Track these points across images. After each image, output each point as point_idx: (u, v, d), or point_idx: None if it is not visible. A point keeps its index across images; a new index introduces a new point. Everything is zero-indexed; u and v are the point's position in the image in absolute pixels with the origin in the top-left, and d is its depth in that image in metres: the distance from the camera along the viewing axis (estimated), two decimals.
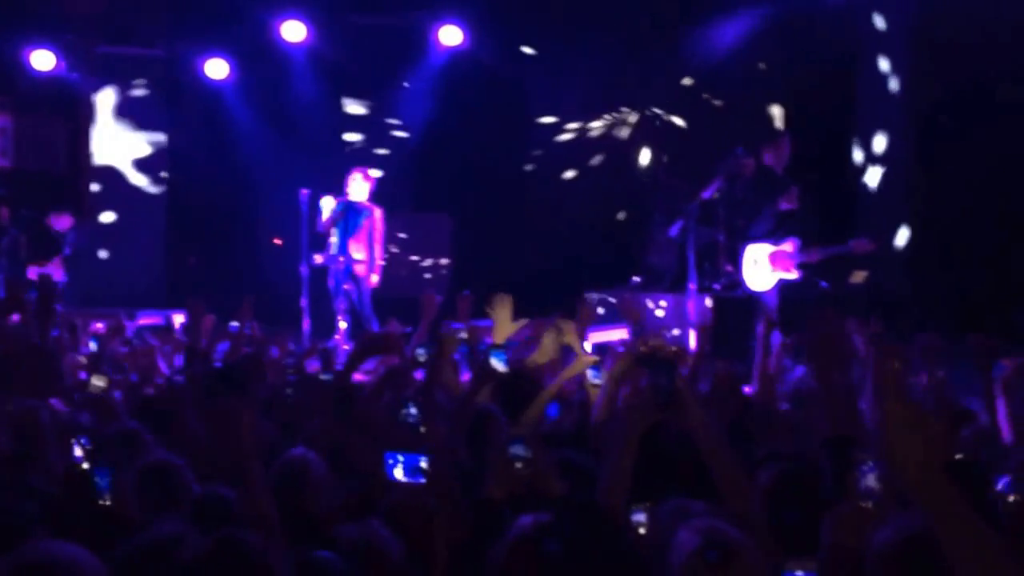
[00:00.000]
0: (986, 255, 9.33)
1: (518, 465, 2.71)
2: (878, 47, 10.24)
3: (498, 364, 3.70)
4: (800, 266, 7.54)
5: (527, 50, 10.97)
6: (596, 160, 11.56)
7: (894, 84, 10.19)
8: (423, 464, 2.77)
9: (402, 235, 10.76)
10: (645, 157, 11.46)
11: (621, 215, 11.04)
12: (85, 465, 3.09)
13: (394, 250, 10.50)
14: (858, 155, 10.44)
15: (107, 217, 11.49)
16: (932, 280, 9.58)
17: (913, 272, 9.87)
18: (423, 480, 2.77)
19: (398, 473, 2.78)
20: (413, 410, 3.14)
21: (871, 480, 2.30)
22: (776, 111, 11.02)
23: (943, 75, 9.55)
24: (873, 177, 10.26)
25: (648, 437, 2.72)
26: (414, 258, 11.17)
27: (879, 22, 10.22)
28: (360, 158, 9.70)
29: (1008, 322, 7.66)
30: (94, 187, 11.52)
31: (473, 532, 2.68)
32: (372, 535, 2.48)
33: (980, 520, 1.57)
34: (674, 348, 5.55)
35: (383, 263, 9.10)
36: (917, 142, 9.99)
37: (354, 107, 11.54)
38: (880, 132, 10.31)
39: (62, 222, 9.94)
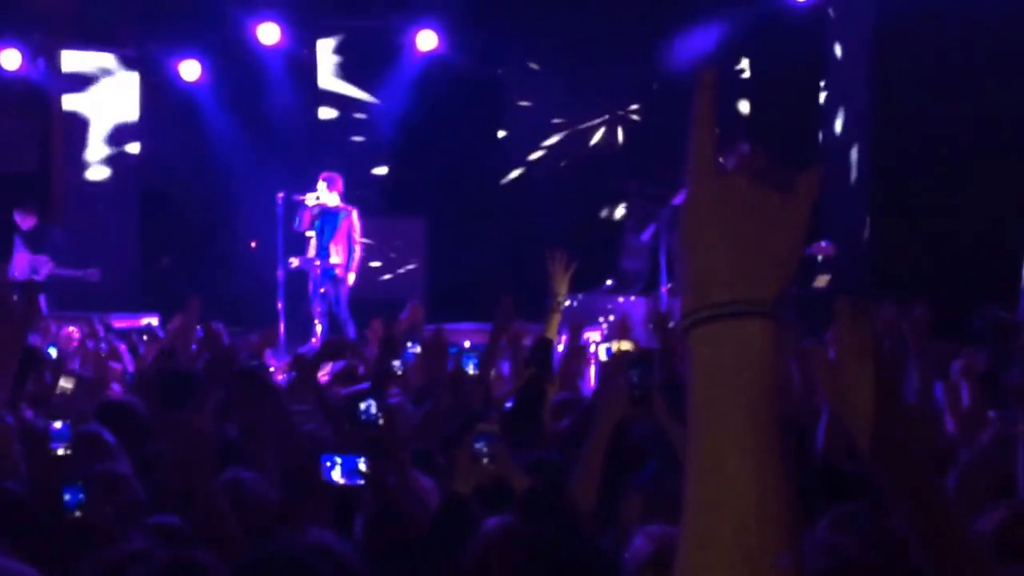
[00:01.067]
0: (948, 256, 9.60)
1: (484, 460, 2.73)
2: (842, 46, 10.48)
3: (469, 366, 3.91)
4: None
5: (533, 66, 11.06)
6: (570, 164, 11.70)
7: (859, 84, 10.45)
8: (361, 465, 2.81)
9: (376, 239, 10.81)
10: (618, 161, 11.61)
11: (602, 213, 11.17)
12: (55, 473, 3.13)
13: (369, 252, 10.56)
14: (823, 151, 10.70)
15: (77, 219, 11.42)
16: (893, 282, 9.82)
17: (874, 275, 10.11)
18: (361, 481, 2.81)
19: (335, 475, 2.81)
20: (373, 409, 3.14)
21: None
22: (743, 106, 11.21)
23: (906, 72, 9.81)
24: (837, 175, 10.52)
25: (619, 432, 2.85)
26: (388, 262, 11.22)
27: (841, 20, 10.45)
28: (334, 161, 9.72)
29: (968, 327, 7.85)
30: (63, 188, 11.44)
31: (438, 527, 2.72)
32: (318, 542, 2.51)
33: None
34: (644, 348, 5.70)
35: (360, 263, 9.16)
36: (879, 140, 10.24)
37: (329, 111, 11.57)
38: (845, 130, 10.55)
39: (27, 221, 9.88)
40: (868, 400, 1.45)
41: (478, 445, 2.73)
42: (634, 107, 11.43)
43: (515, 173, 11.77)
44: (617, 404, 2.84)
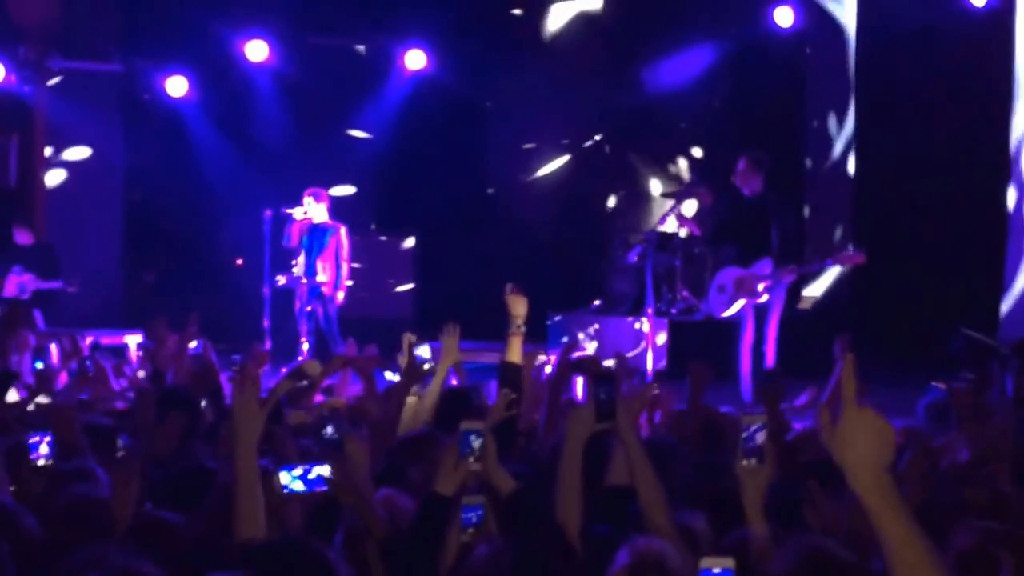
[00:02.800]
0: (928, 280, 9.76)
1: (470, 459, 2.68)
2: (827, 70, 10.65)
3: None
4: (773, 287, 7.52)
5: (520, 85, 11.11)
6: (557, 185, 11.78)
7: (839, 107, 10.62)
8: (324, 472, 2.80)
9: (364, 257, 10.81)
10: (605, 183, 11.70)
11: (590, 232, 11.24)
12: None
13: (357, 268, 10.56)
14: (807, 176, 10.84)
15: (60, 235, 11.32)
16: (874, 305, 9.97)
17: (856, 297, 10.25)
18: (324, 487, 2.80)
19: (297, 486, 2.81)
20: (330, 429, 3.13)
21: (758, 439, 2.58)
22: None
23: (887, 99, 9.99)
24: (820, 200, 10.66)
25: (591, 448, 2.89)
26: (377, 280, 11.20)
27: (821, 49, 10.63)
28: (322, 179, 9.72)
29: (945, 349, 7.96)
30: (47, 203, 11.35)
31: (416, 527, 2.71)
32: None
33: (922, 530, 1.64)
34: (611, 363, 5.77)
35: (349, 281, 9.16)
36: (866, 161, 10.40)
37: (316, 129, 11.58)
38: (827, 154, 10.71)
39: (23, 237, 9.81)
40: (871, 447, 1.67)
41: (464, 442, 2.69)
42: (619, 128, 11.53)
43: (504, 192, 11.83)
44: (584, 421, 2.89)
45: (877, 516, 1.64)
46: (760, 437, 2.60)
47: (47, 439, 3.40)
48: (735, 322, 7.64)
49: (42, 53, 11.04)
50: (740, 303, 7.51)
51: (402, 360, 4.90)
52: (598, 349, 8.95)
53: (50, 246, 10.27)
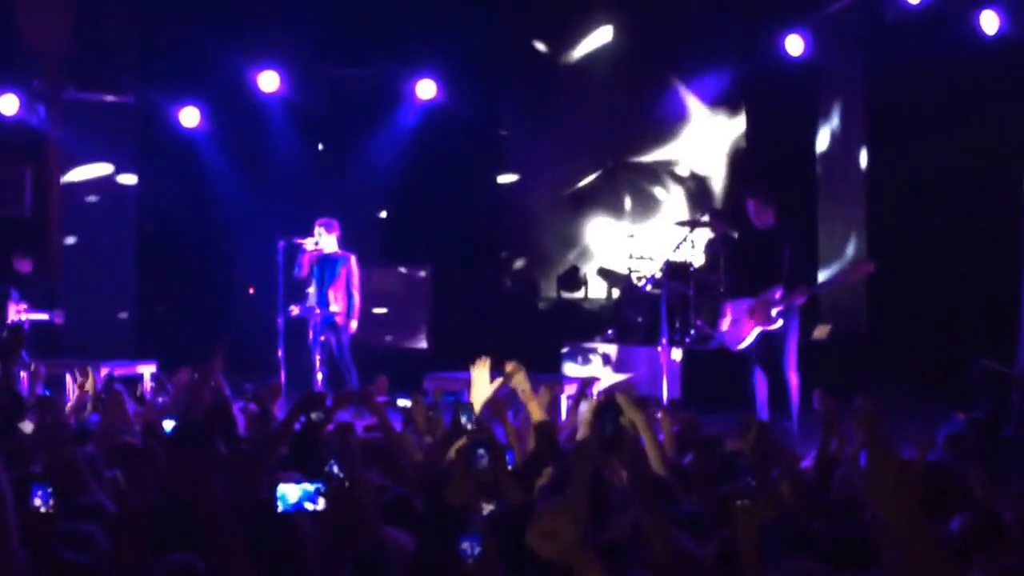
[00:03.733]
0: (944, 306, 9.70)
1: (481, 466, 2.70)
2: (840, 99, 10.65)
3: (466, 421, 3.90)
4: (786, 312, 7.44)
5: (532, 115, 11.14)
6: (570, 214, 11.78)
7: (853, 138, 10.62)
8: (320, 490, 2.80)
9: (378, 287, 10.80)
10: (618, 211, 11.70)
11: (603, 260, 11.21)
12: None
13: (372, 299, 10.54)
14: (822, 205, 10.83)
15: (75, 264, 11.36)
16: (891, 333, 9.91)
17: (872, 325, 10.19)
18: (319, 506, 2.79)
19: (290, 502, 2.81)
20: (335, 468, 3.08)
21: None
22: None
23: (903, 125, 9.99)
24: (834, 228, 10.63)
25: (597, 478, 2.85)
26: (390, 310, 11.18)
27: (838, 74, 10.64)
28: (334, 209, 9.73)
29: (964, 378, 7.89)
30: (62, 235, 11.39)
31: (426, 540, 2.70)
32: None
33: (955, 565, 1.82)
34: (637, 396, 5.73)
35: (360, 310, 9.14)
36: (879, 189, 10.38)
37: (329, 158, 11.62)
38: (840, 179, 10.68)
39: (24, 265, 9.83)
40: (905, 495, 1.83)
41: (478, 452, 2.71)
42: (633, 156, 11.54)
43: (517, 220, 11.84)
44: (589, 453, 2.85)
45: (909, 551, 1.81)
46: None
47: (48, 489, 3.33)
48: (748, 352, 7.58)
49: (57, 85, 11.13)
50: (755, 332, 7.46)
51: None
52: (610, 378, 8.92)
53: (50, 276, 10.26)
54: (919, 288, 9.72)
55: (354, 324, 8.93)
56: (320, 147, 11.33)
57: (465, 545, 2.53)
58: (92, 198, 11.49)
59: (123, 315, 11.27)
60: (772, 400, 7.43)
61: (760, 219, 7.49)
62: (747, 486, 2.62)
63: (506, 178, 11.83)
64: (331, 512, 2.83)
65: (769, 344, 7.38)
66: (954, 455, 4.92)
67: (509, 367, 4.69)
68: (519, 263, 11.45)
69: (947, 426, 5.36)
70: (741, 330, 7.48)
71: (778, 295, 7.31)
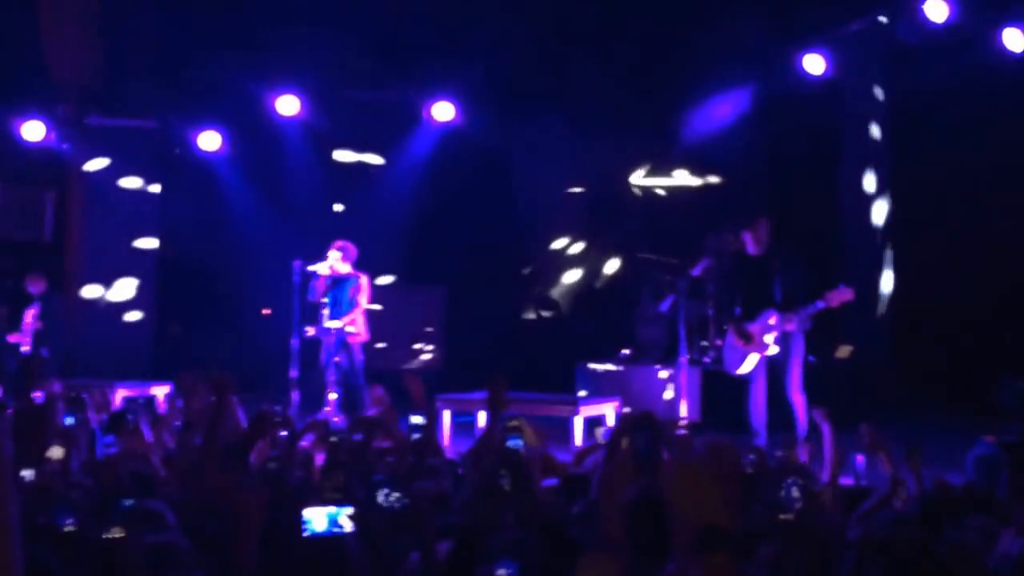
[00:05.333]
0: (970, 326, 9.50)
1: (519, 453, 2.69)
2: (861, 119, 10.54)
3: (515, 446, 3.94)
4: (782, 338, 7.41)
5: (549, 135, 11.15)
6: (586, 234, 11.71)
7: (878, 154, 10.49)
8: (346, 515, 2.80)
9: (394, 307, 10.76)
10: (634, 231, 11.62)
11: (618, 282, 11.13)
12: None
13: (387, 319, 10.49)
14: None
15: (94, 290, 11.43)
16: (915, 353, 9.71)
17: (896, 345, 10.00)
18: (344, 531, 2.79)
19: (320, 525, 2.81)
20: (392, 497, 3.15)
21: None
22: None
23: (925, 145, 9.85)
24: (856, 247, 10.47)
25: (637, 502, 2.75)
26: (406, 330, 11.14)
27: (859, 94, 10.53)
28: (352, 231, 9.73)
29: (990, 398, 7.71)
30: (80, 257, 11.47)
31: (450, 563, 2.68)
32: None
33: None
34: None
35: (368, 327, 9.10)
36: (901, 211, 10.23)
37: (346, 180, 11.66)
38: (863, 200, 10.53)
39: (36, 286, 9.89)
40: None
41: (510, 443, 2.90)
42: (650, 176, 11.48)
43: (532, 241, 11.79)
44: (623, 474, 2.73)
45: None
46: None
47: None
48: (749, 378, 7.50)
49: (80, 111, 11.27)
50: (754, 358, 7.39)
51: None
52: (626, 398, 8.80)
53: (67, 298, 10.31)
54: (943, 307, 9.54)
55: (361, 338, 8.88)
56: (337, 207, 11.39)
57: (501, 572, 2.62)
58: (112, 221, 11.58)
59: (139, 336, 11.31)
60: (771, 424, 7.35)
61: (760, 243, 7.46)
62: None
63: (521, 197, 11.80)
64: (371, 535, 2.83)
65: (772, 368, 7.33)
66: (984, 476, 4.77)
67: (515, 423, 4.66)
68: (534, 283, 11.36)
69: (976, 448, 5.21)
70: (739, 356, 7.44)
71: (771, 320, 7.25)
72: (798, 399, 7.28)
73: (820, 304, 7.31)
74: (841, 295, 7.27)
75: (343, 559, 2.85)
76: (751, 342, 7.37)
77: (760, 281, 7.42)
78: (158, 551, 2.80)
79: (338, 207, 11.49)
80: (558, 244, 11.87)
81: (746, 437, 7.09)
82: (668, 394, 8.93)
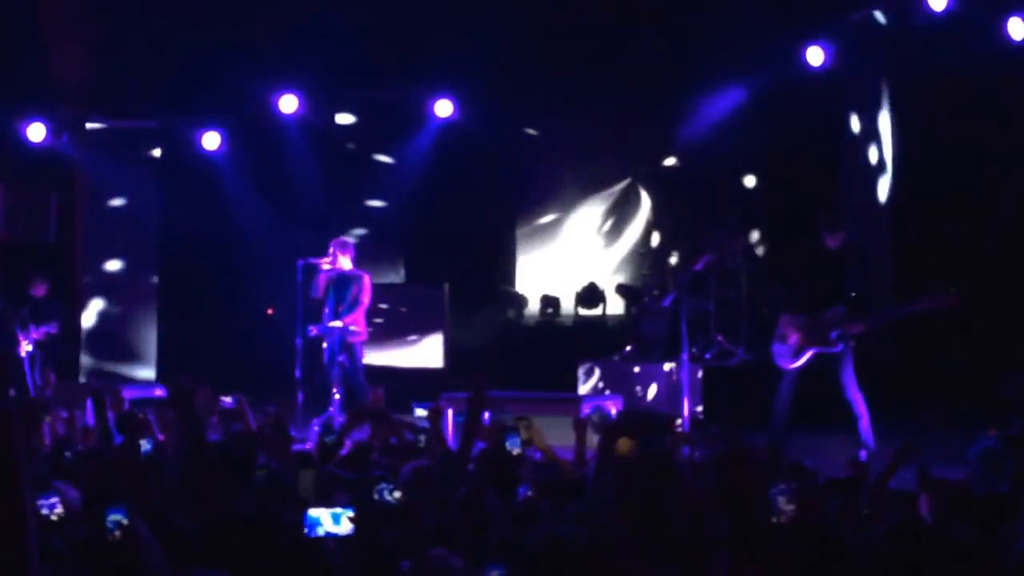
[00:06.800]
0: (976, 316, 9.44)
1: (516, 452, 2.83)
2: (863, 109, 10.48)
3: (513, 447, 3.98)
4: (844, 336, 7.04)
5: (552, 132, 11.14)
6: (586, 231, 11.70)
7: (874, 154, 10.44)
8: (349, 516, 2.84)
9: (396, 306, 10.77)
10: (635, 228, 11.61)
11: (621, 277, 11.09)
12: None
13: (389, 318, 10.50)
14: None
15: (98, 300, 11.47)
16: (919, 349, 9.67)
17: (900, 341, 9.96)
18: (350, 532, 2.83)
19: (326, 525, 2.85)
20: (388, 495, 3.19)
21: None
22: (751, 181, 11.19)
23: (925, 140, 9.79)
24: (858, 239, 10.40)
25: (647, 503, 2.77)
26: (407, 329, 11.14)
27: (861, 85, 10.47)
28: (354, 229, 9.75)
29: (997, 394, 7.65)
30: (85, 260, 11.51)
31: None
32: None
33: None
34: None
35: (366, 324, 9.11)
36: (900, 207, 10.17)
37: (348, 179, 11.65)
38: (865, 192, 10.49)
39: (39, 289, 9.93)
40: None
41: (509, 443, 3.17)
42: (650, 174, 11.45)
43: (532, 237, 11.77)
44: (636, 476, 2.77)
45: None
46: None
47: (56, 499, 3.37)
48: (779, 371, 7.27)
49: (81, 112, 11.29)
50: (810, 352, 7.12)
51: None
52: (628, 395, 8.80)
53: (70, 300, 10.35)
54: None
55: (361, 337, 8.89)
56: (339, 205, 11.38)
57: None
58: (115, 222, 11.61)
59: (144, 337, 11.35)
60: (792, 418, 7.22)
61: (832, 241, 7.16)
62: None
63: (523, 194, 11.78)
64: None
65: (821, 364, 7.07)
66: (986, 470, 4.76)
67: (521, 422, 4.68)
68: (536, 281, 11.35)
69: (979, 442, 5.19)
70: (791, 348, 7.11)
71: (839, 316, 6.98)
72: (857, 397, 7.05)
73: (912, 308, 6.98)
74: (945, 301, 6.81)
75: (343, 559, 2.88)
76: (814, 338, 7.07)
77: (831, 275, 7.10)
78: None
79: (340, 204, 11.49)
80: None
81: (754, 434, 6.92)
82: (670, 391, 8.92)
